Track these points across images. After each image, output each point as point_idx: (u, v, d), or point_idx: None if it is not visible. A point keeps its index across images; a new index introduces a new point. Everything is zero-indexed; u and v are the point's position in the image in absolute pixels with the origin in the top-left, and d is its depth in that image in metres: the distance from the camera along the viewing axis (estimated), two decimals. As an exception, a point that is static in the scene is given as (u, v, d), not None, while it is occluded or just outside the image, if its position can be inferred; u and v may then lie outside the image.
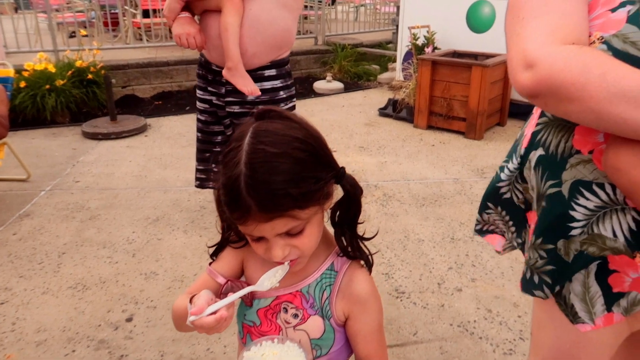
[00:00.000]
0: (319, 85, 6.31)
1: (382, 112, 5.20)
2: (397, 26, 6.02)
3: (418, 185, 3.57)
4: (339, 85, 6.33)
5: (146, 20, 6.65)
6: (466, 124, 4.50)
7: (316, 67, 7.14)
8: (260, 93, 2.03)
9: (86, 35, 6.28)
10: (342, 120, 5.08)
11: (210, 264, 1.02)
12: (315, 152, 0.81)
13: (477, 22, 5.06)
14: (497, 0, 4.86)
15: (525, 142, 1.00)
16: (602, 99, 0.71)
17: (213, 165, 2.27)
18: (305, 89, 6.29)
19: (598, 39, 0.82)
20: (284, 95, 2.11)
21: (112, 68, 5.58)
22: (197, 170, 2.48)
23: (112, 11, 6.99)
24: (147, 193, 3.44)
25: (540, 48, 0.77)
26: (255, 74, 2.04)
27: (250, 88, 2.02)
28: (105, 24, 7.12)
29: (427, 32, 5.23)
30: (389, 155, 4.15)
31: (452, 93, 4.52)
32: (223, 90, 2.09)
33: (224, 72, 2.02)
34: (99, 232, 2.91)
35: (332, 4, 10.19)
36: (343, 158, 4.06)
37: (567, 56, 0.74)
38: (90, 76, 5.12)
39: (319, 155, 0.82)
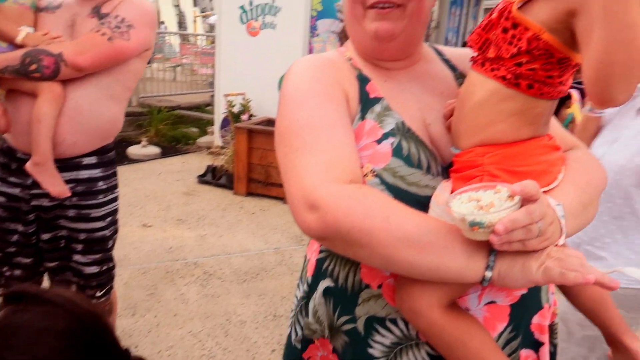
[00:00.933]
0: (133, 150, 5.95)
1: (202, 180, 5.09)
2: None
3: (239, 258, 3.50)
4: (155, 150, 6.05)
5: None
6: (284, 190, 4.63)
7: (130, 130, 6.75)
8: (69, 194, 1.78)
9: None
10: (158, 190, 4.82)
11: None
12: (83, 346, 0.65)
13: (289, 92, 5.33)
14: (305, 72, 5.20)
15: (310, 269, 0.98)
16: (389, 244, 0.71)
17: (5, 268, 1.91)
18: (119, 155, 5.83)
19: (370, 171, 0.83)
20: (104, 186, 1.88)
21: None
22: None
23: None
24: None
25: (321, 188, 0.75)
26: (72, 162, 1.79)
27: (58, 189, 1.76)
28: None
29: (243, 99, 5.35)
30: (209, 227, 4.03)
31: (269, 160, 4.64)
32: (29, 182, 1.78)
33: (27, 165, 1.73)
34: None
35: (148, 62, 9.91)
36: (160, 234, 3.82)
37: (350, 198, 0.73)
38: None
39: (90, 346, 0.66)
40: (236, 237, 3.85)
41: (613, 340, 0.97)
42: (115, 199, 1.93)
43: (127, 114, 7.36)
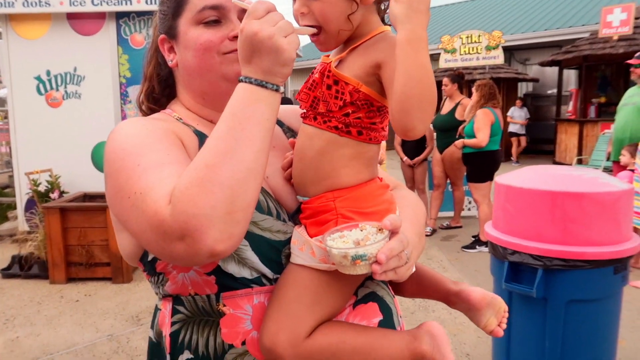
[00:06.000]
0: None
1: (7, 274, 4.37)
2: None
3: (66, 356, 3.04)
4: (-60, 248, 5.05)
5: None
6: (112, 269, 4.22)
7: None
8: None
9: None
10: (-52, 295, 3.99)
11: None
12: None
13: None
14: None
15: (167, 346, 0.90)
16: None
17: None
18: None
19: None
20: None
21: None
22: None
23: None
24: None
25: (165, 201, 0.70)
26: None
27: None
28: None
29: (50, 176, 4.82)
30: (22, 327, 3.44)
31: (89, 239, 4.20)
32: None
33: None
34: None
35: None
36: (-46, 349, 3.13)
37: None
38: None
39: None
40: (59, 333, 3.34)
41: (446, 296, 1.06)
42: None
43: None
